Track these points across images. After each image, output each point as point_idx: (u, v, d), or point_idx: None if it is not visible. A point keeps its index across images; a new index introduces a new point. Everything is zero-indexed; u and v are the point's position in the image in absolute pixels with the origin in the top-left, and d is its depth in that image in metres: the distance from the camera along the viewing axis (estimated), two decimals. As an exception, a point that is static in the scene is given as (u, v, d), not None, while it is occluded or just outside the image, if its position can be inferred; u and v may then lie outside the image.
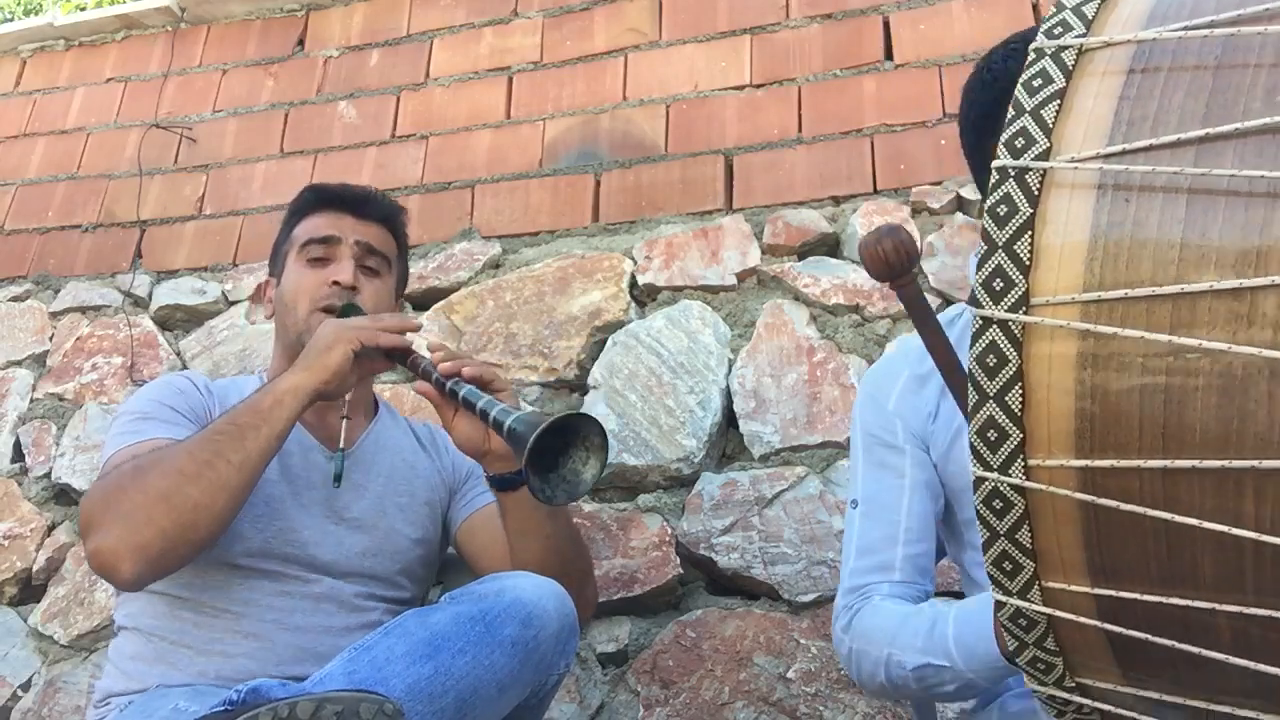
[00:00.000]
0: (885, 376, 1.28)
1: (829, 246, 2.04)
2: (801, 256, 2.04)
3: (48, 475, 2.29)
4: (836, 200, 2.05)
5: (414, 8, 2.59)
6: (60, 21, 2.89)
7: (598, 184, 2.23)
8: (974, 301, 0.67)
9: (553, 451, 1.13)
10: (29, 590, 2.21)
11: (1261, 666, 0.63)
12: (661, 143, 2.21)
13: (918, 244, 1.04)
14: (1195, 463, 0.60)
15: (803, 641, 1.70)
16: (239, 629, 1.32)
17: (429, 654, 1.07)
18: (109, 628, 2.06)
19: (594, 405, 1.97)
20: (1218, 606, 0.62)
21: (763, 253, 2.04)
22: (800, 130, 2.12)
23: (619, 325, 2.06)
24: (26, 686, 2.08)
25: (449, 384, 1.29)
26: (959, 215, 1.97)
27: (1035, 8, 2.06)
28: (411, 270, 2.21)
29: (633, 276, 2.11)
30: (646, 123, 2.24)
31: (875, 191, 2.03)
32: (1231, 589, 0.62)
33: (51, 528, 2.25)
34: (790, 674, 1.68)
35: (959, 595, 1.57)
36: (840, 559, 1.70)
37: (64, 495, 2.27)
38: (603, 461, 1.15)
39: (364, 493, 1.46)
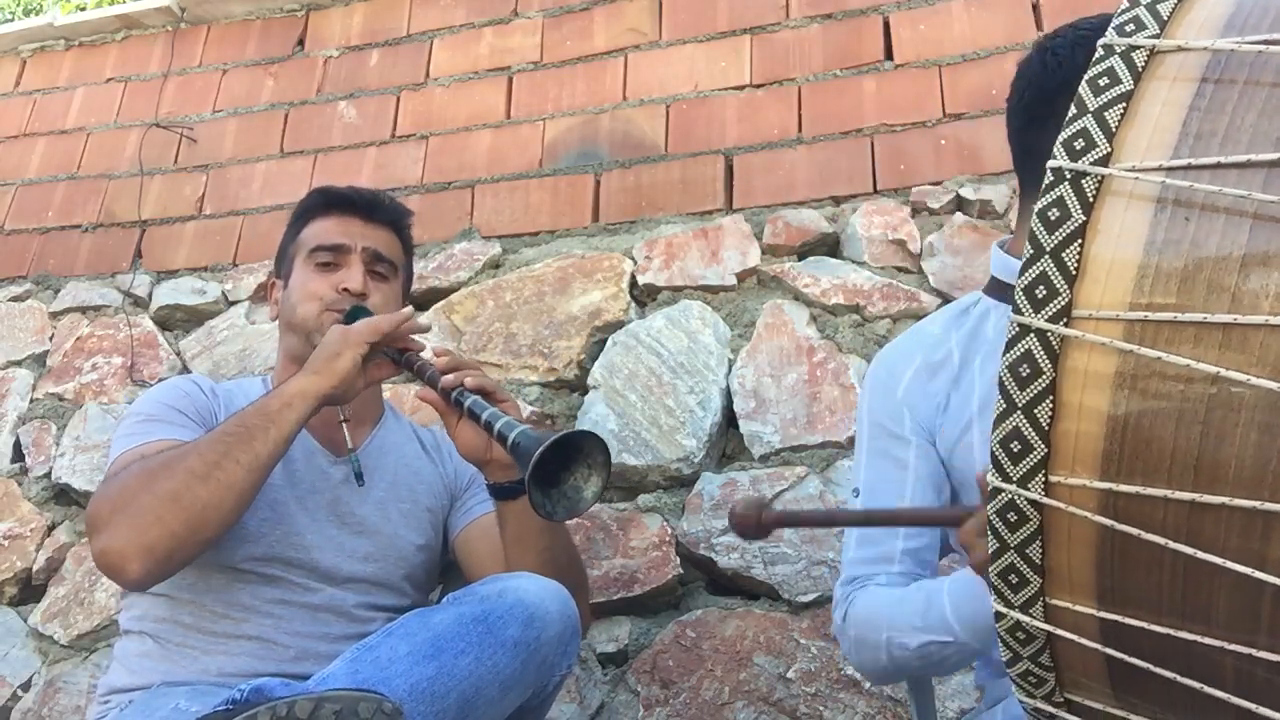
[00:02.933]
0: (897, 361, 1.25)
1: (829, 246, 2.04)
2: (801, 256, 2.04)
3: (48, 475, 2.29)
4: (836, 200, 2.05)
5: (414, 8, 2.59)
6: (60, 21, 2.89)
7: (598, 184, 2.23)
8: (1015, 307, 0.64)
9: (555, 467, 1.13)
10: (29, 590, 2.21)
11: (1263, 710, 0.61)
12: (661, 143, 2.21)
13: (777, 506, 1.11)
14: (1226, 500, 0.58)
15: (803, 641, 1.70)
16: (240, 632, 1.32)
17: (432, 654, 1.07)
18: (109, 628, 2.06)
19: (594, 405, 1.97)
20: (1227, 646, 0.61)
21: (763, 253, 2.04)
22: (800, 130, 2.12)
23: (619, 325, 2.06)
24: (26, 686, 2.08)
25: (454, 393, 1.29)
26: (959, 215, 1.97)
27: (1035, 8, 2.07)
28: (412, 270, 2.21)
29: (633, 276, 2.11)
30: (646, 123, 2.24)
31: (875, 191, 2.03)
32: (1244, 630, 0.60)
33: (51, 528, 2.25)
34: (790, 674, 1.68)
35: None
36: (841, 558, 1.71)
37: (64, 495, 2.27)
38: (604, 479, 1.14)
39: (366, 498, 1.46)
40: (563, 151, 2.28)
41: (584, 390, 2.02)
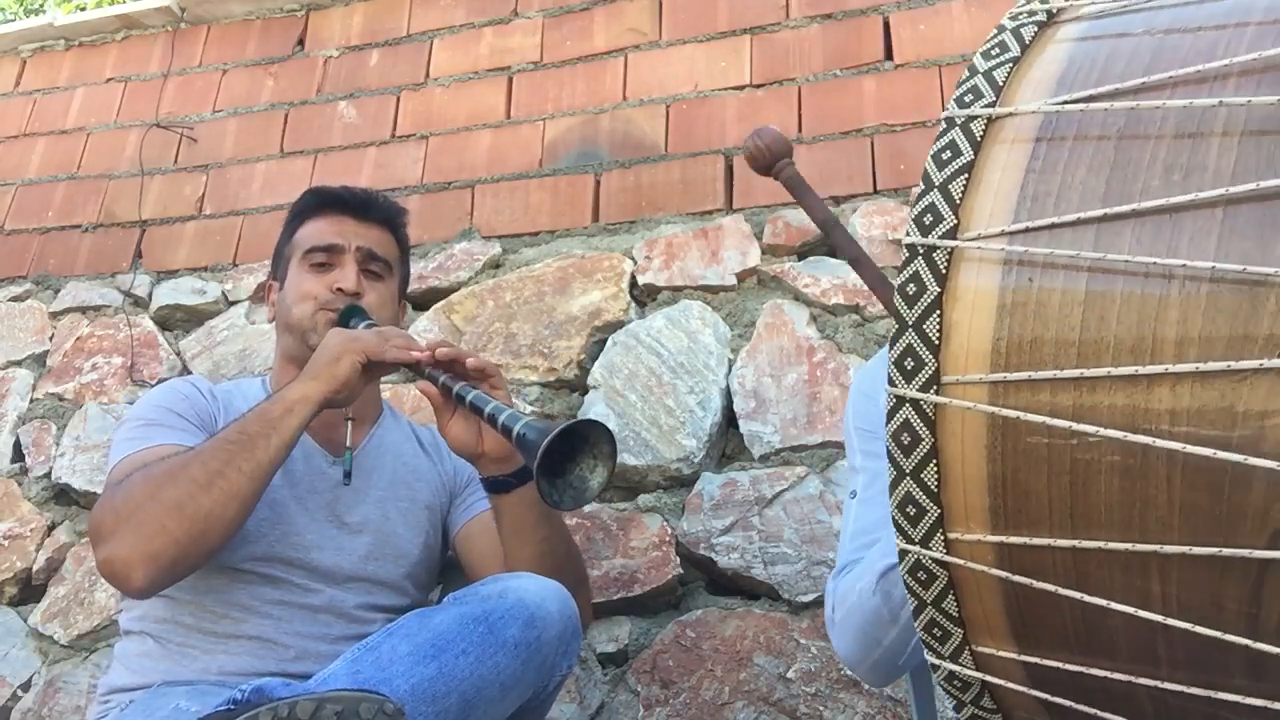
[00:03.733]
0: (878, 375, 1.27)
1: (829, 247, 2.04)
2: (801, 256, 2.04)
3: (48, 475, 2.29)
4: (836, 200, 2.05)
5: (414, 8, 2.59)
6: (60, 21, 2.89)
7: (598, 184, 2.23)
8: (889, 379, 0.67)
9: (561, 457, 1.13)
10: (29, 590, 2.21)
11: None
12: (661, 143, 2.22)
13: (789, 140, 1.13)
14: (1102, 544, 0.61)
15: (803, 641, 1.70)
16: (240, 632, 1.32)
17: (432, 655, 1.08)
18: (109, 628, 2.06)
19: (594, 405, 1.97)
20: (1135, 680, 0.63)
21: (763, 253, 2.04)
22: (800, 130, 2.12)
23: (619, 325, 2.06)
24: (26, 686, 2.08)
25: (456, 388, 1.29)
26: (959, 215, 1.97)
27: (1035, 8, 2.06)
28: (411, 270, 2.20)
29: (633, 276, 2.11)
30: (646, 123, 2.24)
31: (875, 191, 2.03)
32: (1146, 663, 0.63)
33: (51, 528, 2.25)
34: (790, 674, 1.68)
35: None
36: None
37: (64, 495, 2.28)
38: (610, 469, 1.15)
39: (366, 496, 1.46)
40: (563, 151, 2.28)
41: (584, 390, 2.02)
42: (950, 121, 0.70)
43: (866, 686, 1.63)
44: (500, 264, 2.23)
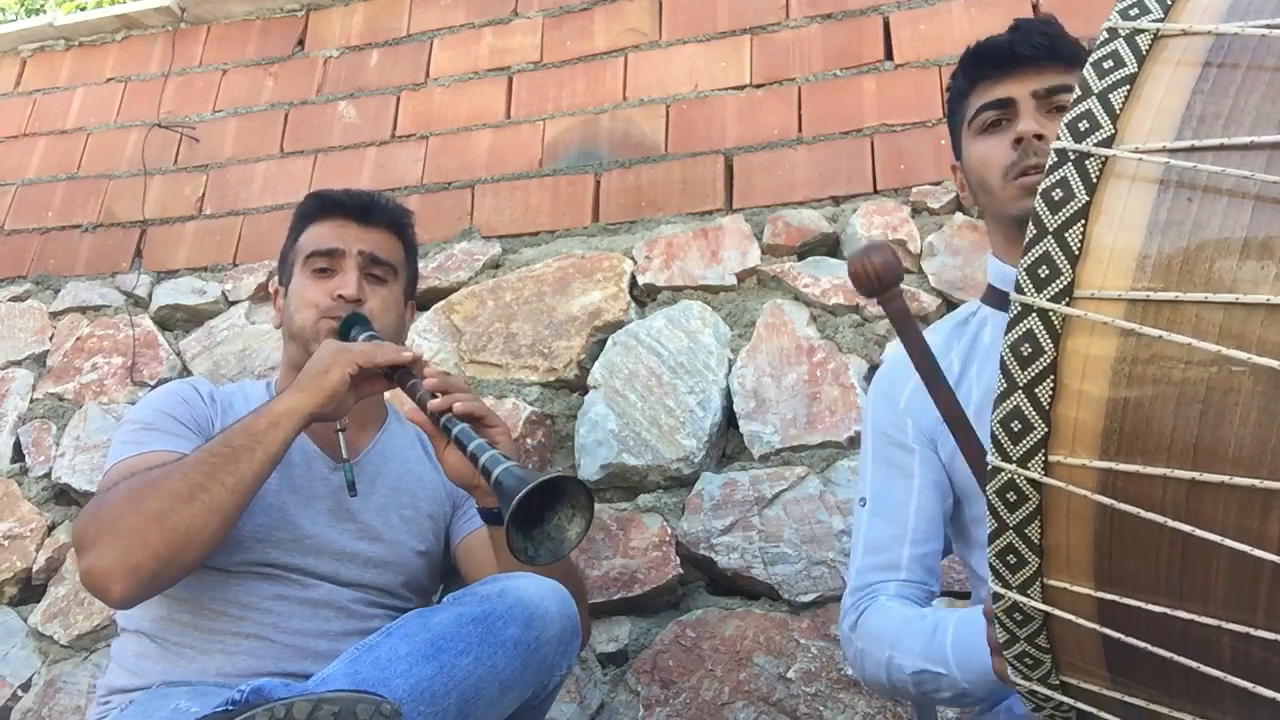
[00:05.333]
0: (900, 371, 1.26)
1: (829, 246, 2.04)
2: (801, 256, 2.04)
3: (48, 475, 2.29)
4: (836, 200, 2.05)
5: (414, 8, 2.59)
6: (60, 21, 2.89)
7: (598, 184, 2.23)
8: (1017, 286, 0.64)
9: (539, 506, 1.11)
10: (29, 590, 2.21)
11: (1259, 689, 0.61)
12: (661, 143, 2.21)
13: (902, 261, 1.06)
14: (1225, 478, 0.58)
15: (803, 641, 1.70)
16: (238, 630, 1.32)
17: (432, 654, 1.07)
18: (109, 628, 2.06)
19: (594, 405, 1.97)
20: (1224, 625, 0.61)
21: (763, 253, 2.04)
22: (800, 130, 2.12)
23: (619, 325, 2.06)
24: (26, 686, 2.08)
25: (443, 419, 1.27)
26: (959, 215, 1.97)
27: (1035, 8, 2.06)
28: (412, 270, 2.21)
29: (633, 276, 2.11)
30: (646, 123, 2.24)
31: (875, 191, 2.03)
32: (1241, 609, 0.60)
33: (51, 528, 2.25)
34: (790, 674, 1.68)
35: (965, 595, 1.57)
36: (840, 558, 1.71)
37: (64, 495, 2.27)
38: (588, 521, 1.12)
39: (369, 503, 1.45)
40: (563, 151, 2.28)
41: (584, 390, 2.02)
42: (1113, 32, 0.66)
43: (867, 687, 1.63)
44: (500, 264, 2.23)
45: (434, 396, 1.28)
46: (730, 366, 1.96)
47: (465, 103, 2.42)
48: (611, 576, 1.81)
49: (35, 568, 2.19)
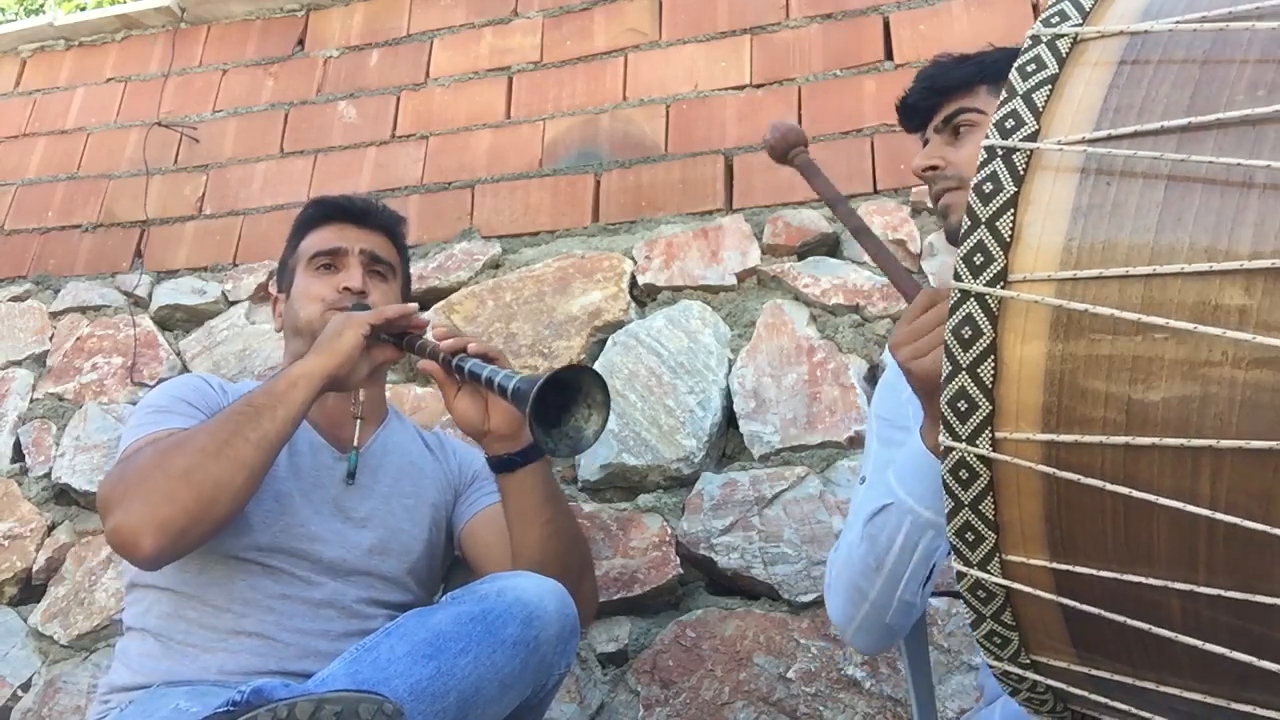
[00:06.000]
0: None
1: (829, 246, 2.04)
2: (801, 256, 2.04)
3: (48, 475, 2.29)
4: (836, 200, 2.05)
5: (414, 8, 2.59)
6: (60, 21, 2.89)
7: (598, 184, 2.23)
8: (955, 274, 0.68)
9: (556, 409, 1.15)
10: (29, 590, 2.21)
11: (1209, 646, 0.64)
12: (661, 143, 2.21)
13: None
14: (1155, 440, 0.61)
15: (803, 641, 1.70)
16: (241, 628, 1.33)
17: (431, 654, 1.08)
18: (109, 628, 2.06)
19: (594, 405, 1.97)
20: (1170, 584, 0.64)
21: (763, 253, 2.04)
22: (800, 130, 2.12)
23: (619, 325, 2.06)
24: (26, 686, 2.08)
25: (455, 360, 1.32)
26: (959, 215, 1.97)
27: (1035, 8, 2.07)
28: (411, 270, 2.20)
29: (633, 276, 2.11)
30: (646, 123, 2.24)
31: (875, 191, 2.03)
32: (1184, 567, 0.63)
33: (51, 528, 2.25)
34: (790, 674, 1.68)
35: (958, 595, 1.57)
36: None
37: (64, 495, 2.27)
38: (605, 418, 1.17)
39: (371, 493, 1.48)
40: (563, 151, 2.28)
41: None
42: (1035, 39, 0.71)
43: (867, 686, 1.63)
44: (500, 264, 2.23)
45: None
46: (730, 366, 1.96)
47: (465, 103, 2.42)
48: (611, 576, 1.82)
49: (35, 568, 2.19)
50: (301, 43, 2.67)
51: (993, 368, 0.66)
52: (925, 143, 1.31)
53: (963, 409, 0.67)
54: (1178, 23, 0.67)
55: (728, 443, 1.94)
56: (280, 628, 1.34)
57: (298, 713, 0.95)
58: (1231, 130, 0.62)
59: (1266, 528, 0.59)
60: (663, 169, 2.19)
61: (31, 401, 2.41)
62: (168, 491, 1.18)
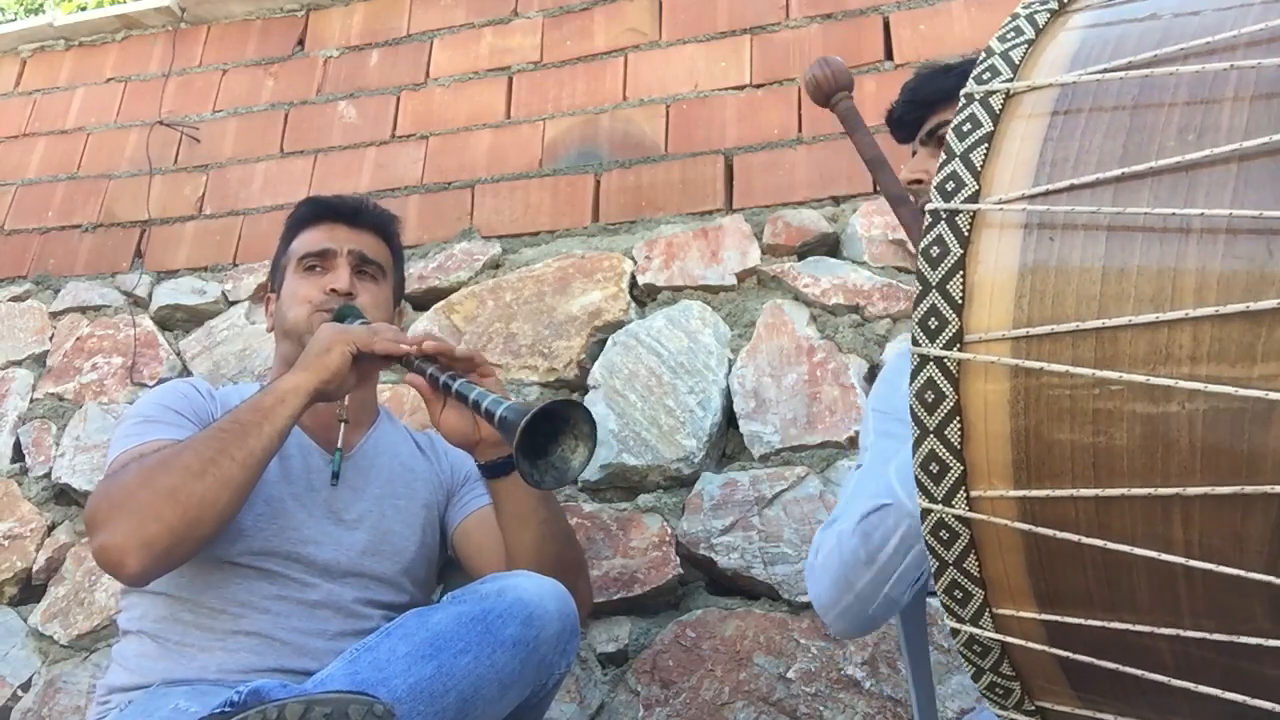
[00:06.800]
0: (905, 368, 1.28)
1: (829, 246, 2.04)
2: (801, 256, 2.04)
3: (48, 475, 2.29)
4: (836, 200, 2.05)
5: (414, 8, 2.59)
6: (60, 21, 2.89)
7: (598, 184, 2.23)
8: (913, 339, 0.69)
9: (543, 439, 1.15)
10: (29, 590, 2.21)
11: (1201, 688, 0.64)
12: (661, 143, 2.21)
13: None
14: (1124, 491, 0.62)
15: (803, 641, 1.70)
16: (238, 628, 1.33)
17: (431, 654, 1.08)
18: (109, 628, 2.06)
19: (594, 405, 1.97)
20: (1156, 630, 0.64)
21: (763, 253, 2.04)
22: (800, 130, 2.12)
23: (619, 325, 2.06)
24: (26, 686, 2.08)
25: (442, 378, 1.32)
26: (959, 215, 1.97)
27: (1035, 8, 2.06)
28: (411, 270, 2.21)
29: (633, 276, 2.11)
30: (646, 123, 2.24)
31: (875, 192, 2.03)
32: (1168, 612, 0.64)
33: (51, 528, 2.25)
34: (790, 674, 1.68)
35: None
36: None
37: (64, 495, 2.28)
38: (591, 449, 1.17)
39: (363, 494, 1.48)
40: (563, 151, 2.28)
41: (584, 390, 2.02)
42: (969, 97, 0.72)
43: (867, 686, 1.63)
44: (500, 264, 2.23)
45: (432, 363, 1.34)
46: (730, 366, 1.96)
47: (465, 103, 2.42)
48: (611, 576, 1.81)
49: (35, 568, 2.19)
50: (301, 43, 2.67)
51: (959, 428, 0.67)
52: (914, 154, 1.30)
53: (935, 471, 0.68)
54: (1105, 70, 0.68)
55: (728, 443, 1.94)
56: (277, 627, 1.34)
57: (287, 714, 0.95)
58: (1165, 177, 0.63)
59: (1241, 572, 0.59)
60: (663, 169, 2.19)
61: (31, 401, 2.41)
62: (153, 510, 1.18)
